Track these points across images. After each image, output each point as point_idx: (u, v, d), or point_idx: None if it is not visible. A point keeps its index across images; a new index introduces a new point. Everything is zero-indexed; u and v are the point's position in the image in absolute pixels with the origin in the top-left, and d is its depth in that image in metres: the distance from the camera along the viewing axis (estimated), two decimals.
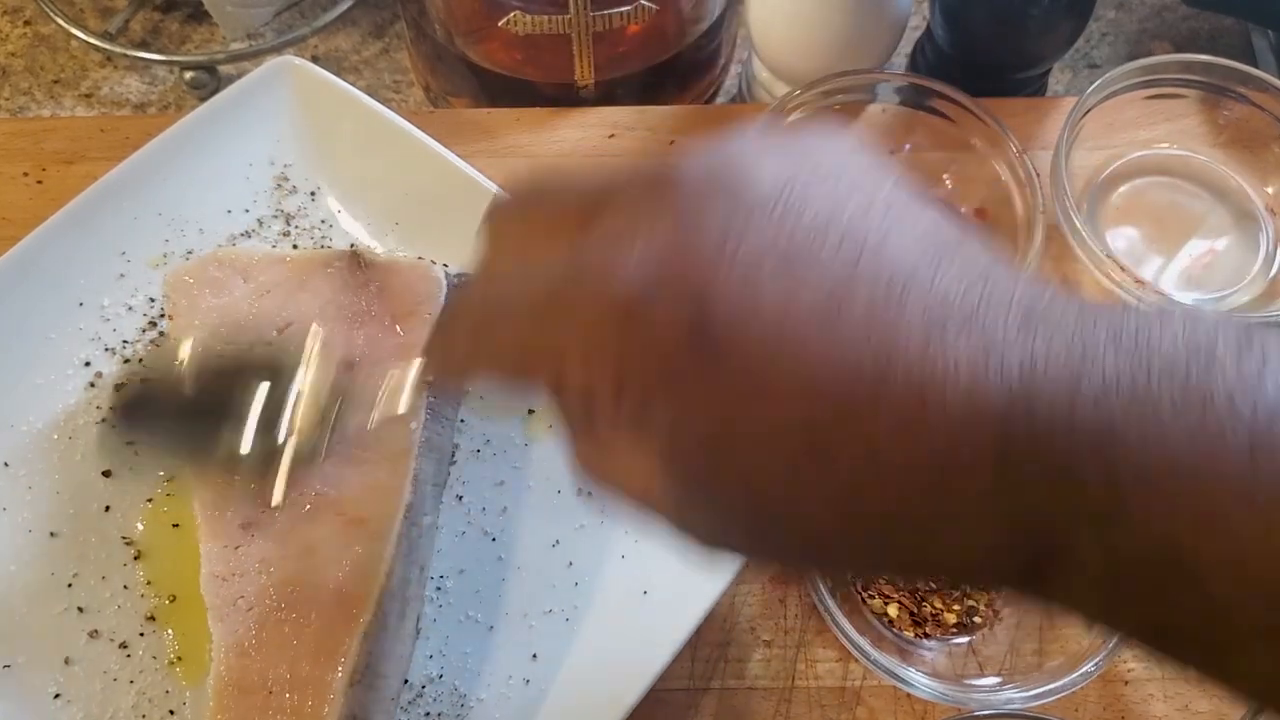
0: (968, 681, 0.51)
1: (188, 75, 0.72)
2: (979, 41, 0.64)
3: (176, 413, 0.43)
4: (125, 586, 0.50)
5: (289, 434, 0.40)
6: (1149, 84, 0.63)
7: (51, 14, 0.71)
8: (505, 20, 0.59)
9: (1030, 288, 0.24)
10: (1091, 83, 0.61)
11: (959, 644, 0.52)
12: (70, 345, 0.54)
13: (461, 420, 0.54)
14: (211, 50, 0.75)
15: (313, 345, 0.44)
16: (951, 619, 0.52)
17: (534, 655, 0.49)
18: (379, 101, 0.58)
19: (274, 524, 0.47)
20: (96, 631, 0.49)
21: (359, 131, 0.58)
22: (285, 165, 0.59)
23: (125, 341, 0.55)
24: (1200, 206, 0.64)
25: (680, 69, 0.66)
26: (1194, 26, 0.78)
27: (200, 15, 0.75)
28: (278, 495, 0.44)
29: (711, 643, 0.52)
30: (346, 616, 0.45)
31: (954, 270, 0.23)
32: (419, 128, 0.57)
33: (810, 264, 0.23)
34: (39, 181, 0.61)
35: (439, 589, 0.51)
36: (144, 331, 0.55)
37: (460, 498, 0.53)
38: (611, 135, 0.64)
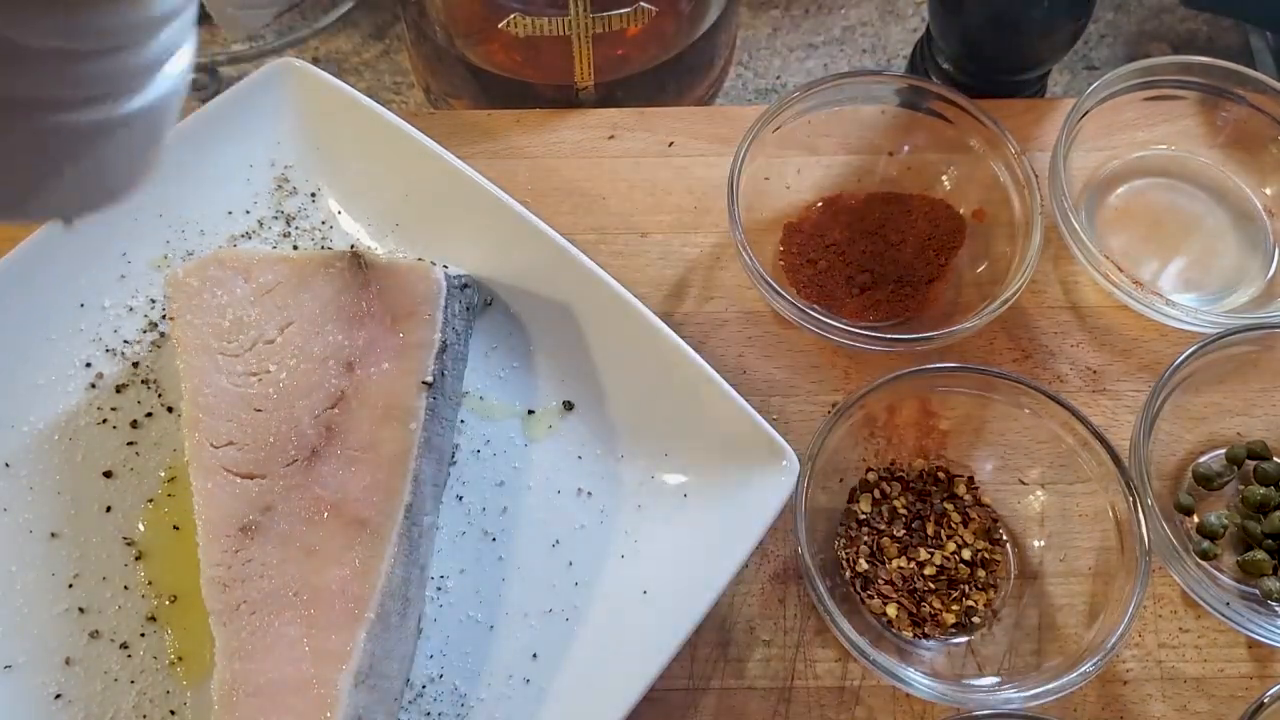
0: (966, 681, 0.51)
1: None
2: (978, 43, 0.64)
3: None
4: (126, 587, 0.50)
5: None
6: (1147, 85, 0.63)
7: None
8: (505, 22, 0.59)
9: None
10: (1090, 84, 0.61)
11: (957, 644, 0.52)
12: (71, 346, 0.55)
13: (461, 420, 0.55)
14: (212, 52, 0.75)
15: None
16: (950, 619, 0.52)
17: (534, 655, 0.49)
18: (379, 103, 0.58)
19: (274, 526, 0.47)
20: (97, 632, 0.49)
21: (359, 133, 0.58)
22: (286, 166, 0.59)
23: (126, 342, 0.55)
24: (1198, 207, 0.64)
25: (679, 70, 0.66)
26: (1192, 28, 0.78)
27: (201, 17, 0.75)
28: None
29: (711, 643, 0.52)
30: (349, 617, 0.45)
31: None
32: (419, 129, 0.57)
33: None
34: None
35: (439, 589, 0.51)
36: (145, 332, 0.56)
37: (460, 498, 0.53)
38: (611, 136, 0.64)
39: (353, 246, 0.56)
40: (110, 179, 0.25)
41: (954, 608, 0.52)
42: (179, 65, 0.26)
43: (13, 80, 0.23)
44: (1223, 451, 0.57)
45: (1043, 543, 0.54)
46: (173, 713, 0.48)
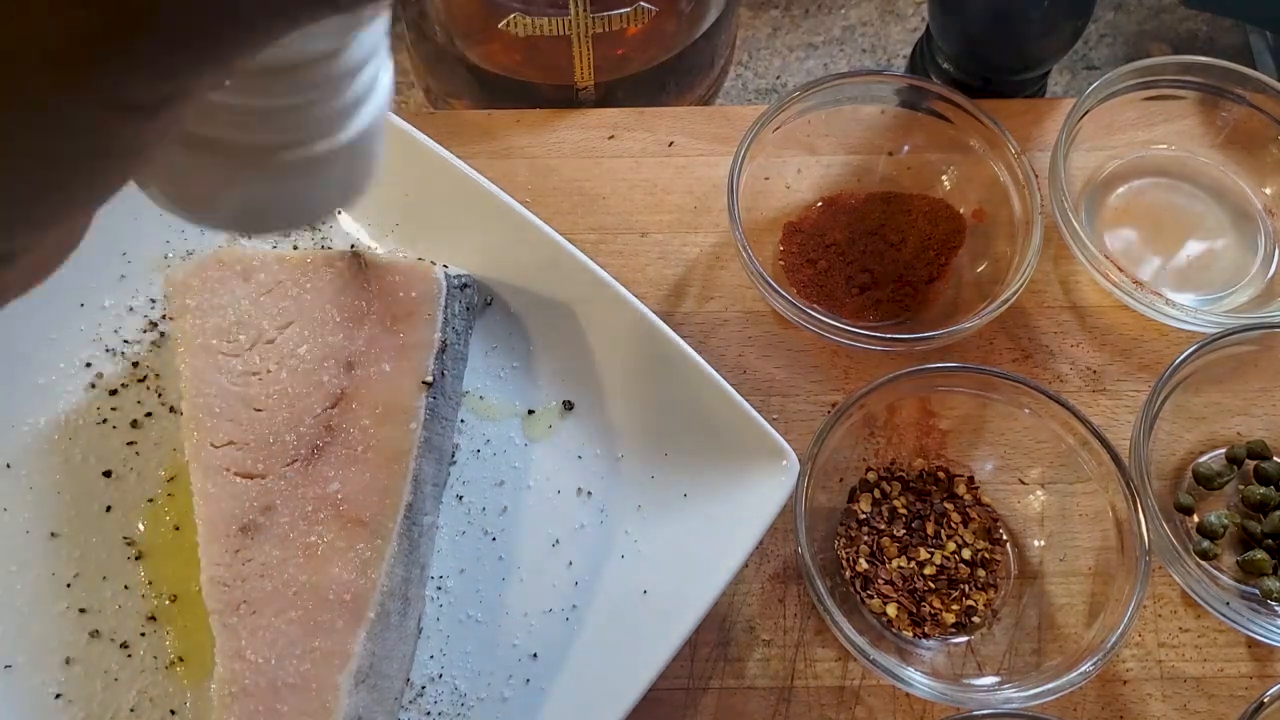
0: (966, 681, 0.51)
1: None
2: (978, 43, 0.64)
3: None
4: (126, 587, 0.50)
5: None
6: (1147, 85, 0.63)
7: None
8: (505, 22, 0.59)
9: None
10: (1090, 84, 0.61)
11: (957, 644, 0.52)
12: (71, 346, 0.55)
13: (461, 420, 0.55)
14: None
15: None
16: (950, 619, 0.52)
17: (534, 655, 0.49)
18: None
19: (274, 526, 0.47)
20: (97, 632, 0.49)
21: None
22: None
23: (126, 342, 0.55)
24: (1198, 207, 0.64)
25: (679, 70, 0.66)
26: (1192, 28, 0.78)
27: None
28: None
29: (710, 642, 0.52)
30: (349, 617, 0.45)
31: None
32: (419, 129, 0.57)
33: None
34: None
35: (440, 589, 0.51)
36: (145, 332, 0.56)
37: (460, 498, 0.53)
38: (611, 136, 0.64)
39: (353, 246, 0.56)
40: (324, 201, 0.27)
41: (954, 607, 0.52)
42: (378, 100, 0.26)
43: (211, 128, 0.24)
44: (1223, 451, 0.57)
45: (1043, 543, 0.54)
46: (173, 713, 0.48)
